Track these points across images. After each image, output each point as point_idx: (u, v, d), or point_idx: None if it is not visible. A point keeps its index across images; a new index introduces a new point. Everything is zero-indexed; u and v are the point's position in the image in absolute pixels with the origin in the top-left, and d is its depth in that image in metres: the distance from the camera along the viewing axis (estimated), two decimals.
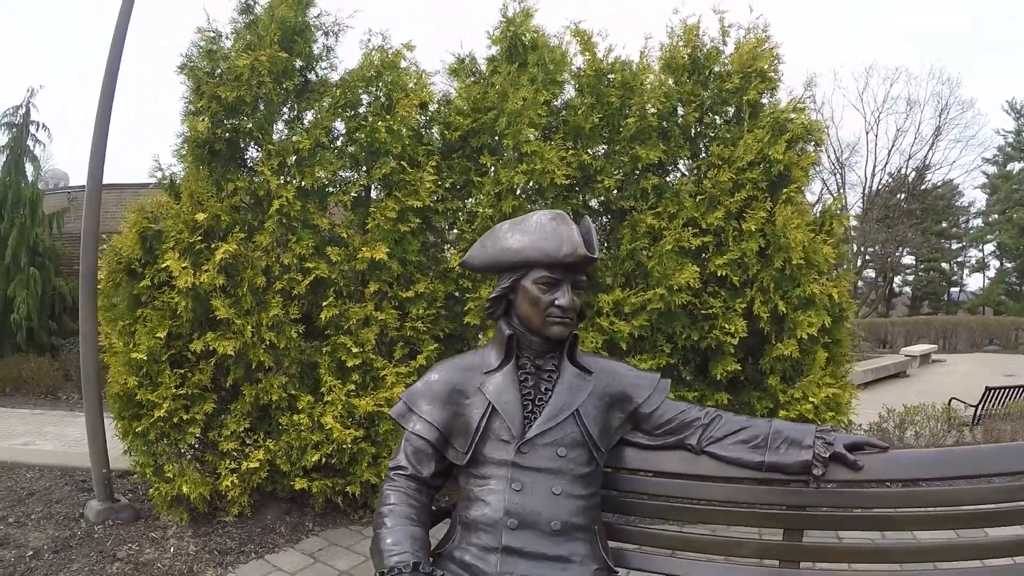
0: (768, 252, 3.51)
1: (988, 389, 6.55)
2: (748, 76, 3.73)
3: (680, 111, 3.92)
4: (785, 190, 3.56)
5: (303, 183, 3.23)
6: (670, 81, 3.92)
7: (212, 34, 3.50)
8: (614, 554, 1.52)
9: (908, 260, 35.65)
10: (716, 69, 4.01)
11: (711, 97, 3.95)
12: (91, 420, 3.53)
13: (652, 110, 3.75)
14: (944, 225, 32.82)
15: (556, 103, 3.82)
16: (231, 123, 3.41)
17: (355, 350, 3.12)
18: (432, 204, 3.35)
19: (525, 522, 1.33)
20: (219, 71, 3.33)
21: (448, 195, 3.48)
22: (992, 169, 30.63)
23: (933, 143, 30.19)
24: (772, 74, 3.90)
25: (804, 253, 3.44)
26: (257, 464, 3.16)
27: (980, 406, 6.47)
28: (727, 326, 3.42)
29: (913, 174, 31.92)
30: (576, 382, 1.46)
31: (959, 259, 33.89)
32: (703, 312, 3.50)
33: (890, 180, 32.40)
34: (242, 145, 3.52)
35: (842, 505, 1.54)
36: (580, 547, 1.37)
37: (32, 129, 10.13)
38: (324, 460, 3.16)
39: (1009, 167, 29.66)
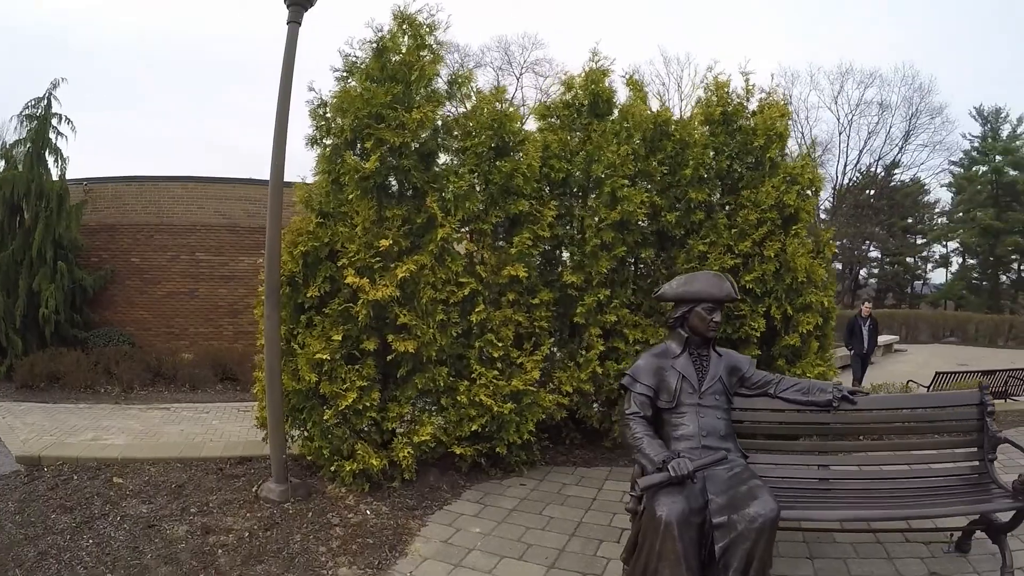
0: (781, 272, 5.26)
1: (938, 373, 8.65)
2: (770, 137, 5.46)
3: (713, 157, 5.62)
4: (794, 227, 5.33)
5: (460, 216, 4.68)
6: (706, 131, 5.61)
7: (347, 71, 4.77)
8: None
9: (874, 254, 39.32)
10: (741, 123, 5.73)
11: (737, 147, 5.65)
12: (273, 413, 4.42)
13: (705, 161, 5.39)
14: (910, 221, 36.29)
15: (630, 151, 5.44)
16: (393, 162, 4.64)
17: (499, 344, 4.66)
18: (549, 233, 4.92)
19: (709, 432, 2.94)
20: (381, 115, 4.49)
21: (555, 222, 5.05)
22: (959, 170, 34.12)
23: (903, 146, 33.71)
24: (784, 132, 5.65)
25: (805, 273, 5.22)
26: (428, 436, 4.52)
27: (931, 387, 8.55)
28: (752, 323, 5.17)
29: (882, 172, 35.30)
30: (717, 361, 3.13)
31: (923, 254, 37.51)
32: (736, 314, 5.23)
33: (859, 177, 35.72)
34: (398, 180, 4.79)
35: (845, 421, 3.32)
36: (731, 443, 3.01)
37: (54, 122, 10.98)
38: (480, 429, 4.58)
39: (974, 169, 33.16)
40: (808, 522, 2.97)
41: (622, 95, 5.75)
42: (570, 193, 5.23)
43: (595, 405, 5.25)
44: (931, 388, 8.60)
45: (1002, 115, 32.46)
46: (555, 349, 5.17)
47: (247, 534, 3.73)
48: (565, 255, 5.25)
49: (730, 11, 47.11)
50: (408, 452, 4.48)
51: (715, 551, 2.47)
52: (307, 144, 4.99)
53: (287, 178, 4.62)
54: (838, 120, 34.83)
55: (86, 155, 41.75)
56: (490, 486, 4.64)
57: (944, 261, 37.31)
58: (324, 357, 4.42)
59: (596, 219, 4.97)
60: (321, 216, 4.81)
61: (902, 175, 35.64)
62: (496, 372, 4.67)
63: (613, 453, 5.23)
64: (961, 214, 34.13)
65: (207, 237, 12.24)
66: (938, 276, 38.51)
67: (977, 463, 3.33)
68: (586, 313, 4.90)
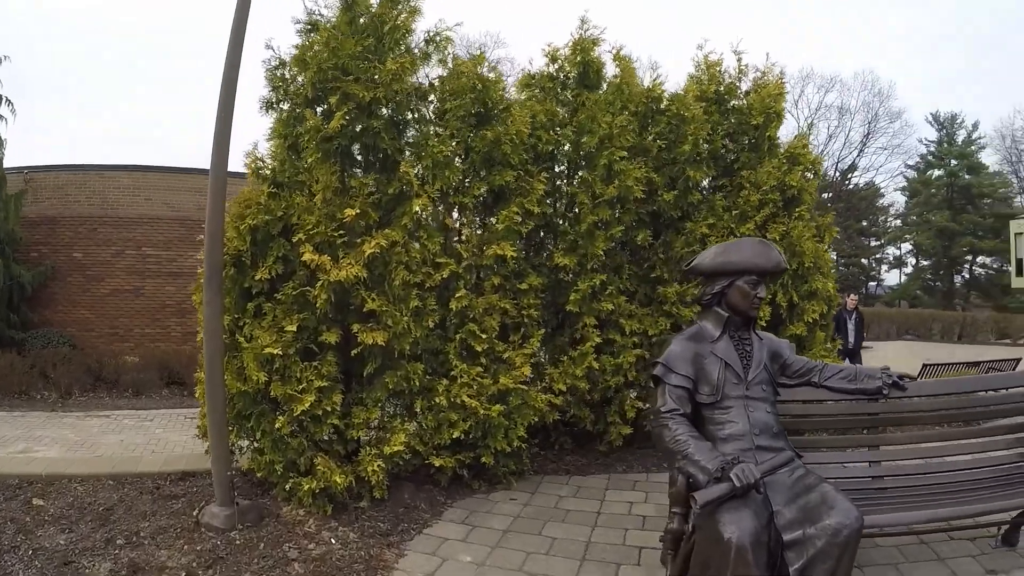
0: (786, 256, 4.82)
1: (925, 365, 8.45)
2: (769, 116, 5.03)
3: (707, 136, 5.15)
4: (798, 209, 4.91)
5: (439, 186, 4.02)
6: (701, 110, 5.14)
7: (310, 26, 4.12)
8: None
9: (831, 255, 40.10)
10: (734, 103, 5.31)
11: (732, 127, 5.22)
12: (215, 422, 3.64)
13: (702, 139, 4.92)
14: (865, 224, 37.08)
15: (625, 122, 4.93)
16: (360, 125, 3.93)
17: (483, 336, 4.01)
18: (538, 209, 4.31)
19: (762, 430, 2.40)
20: (348, 68, 3.83)
21: (543, 199, 4.44)
22: (913, 174, 35.06)
23: (862, 149, 34.43)
24: (781, 111, 5.24)
25: (812, 258, 4.80)
26: (401, 446, 3.75)
27: (920, 377, 8.34)
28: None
29: (837, 175, 36.04)
30: (759, 345, 2.60)
31: (878, 256, 38.39)
32: None
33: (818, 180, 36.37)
34: (365, 145, 4.06)
35: (895, 410, 2.94)
36: (783, 441, 2.48)
37: None
38: (463, 436, 3.93)
39: (929, 173, 34.10)
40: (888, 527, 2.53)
41: (608, 72, 5.27)
42: (556, 169, 4.69)
43: (587, 406, 4.68)
44: (920, 378, 8.41)
45: (958, 121, 33.54)
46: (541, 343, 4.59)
47: (184, 574, 3.00)
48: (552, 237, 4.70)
49: (723, 12, 47.41)
50: (378, 465, 3.73)
51: (789, 574, 1.97)
52: (261, 108, 4.27)
53: (234, 168, 3.88)
54: (798, 124, 35.39)
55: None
56: (475, 502, 4.01)
57: (899, 263, 38.33)
58: (275, 352, 3.66)
59: (590, 195, 4.42)
60: (274, 186, 4.00)
61: (859, 178, 36.49)
62: (480, 368, 4.02)
63: (609, 458, 4.68)
64: (915, 217, 35.04)
65: (154, 231, 11.32)
66: (892, 278, 39.59)
67: None
68: (580, 301, 4.35)
